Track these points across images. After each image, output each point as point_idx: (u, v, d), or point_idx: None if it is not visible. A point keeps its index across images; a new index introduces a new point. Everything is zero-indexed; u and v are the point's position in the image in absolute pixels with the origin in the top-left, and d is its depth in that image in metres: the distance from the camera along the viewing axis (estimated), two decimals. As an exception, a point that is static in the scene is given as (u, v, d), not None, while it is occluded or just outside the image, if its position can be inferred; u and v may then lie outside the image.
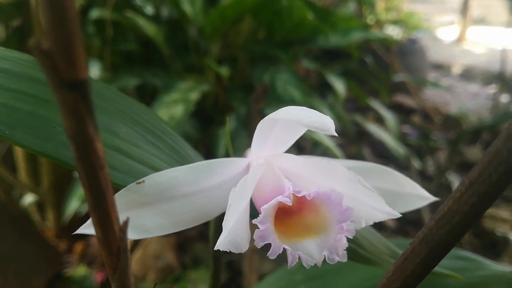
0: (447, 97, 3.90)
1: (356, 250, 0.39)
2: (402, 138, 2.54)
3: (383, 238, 0.44)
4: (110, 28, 1.56)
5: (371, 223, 0.34)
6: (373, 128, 2.12)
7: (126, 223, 0.22)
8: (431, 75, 4.36)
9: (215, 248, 0.29)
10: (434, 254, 0.24)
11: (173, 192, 0.33)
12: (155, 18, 1.80)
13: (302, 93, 1.53)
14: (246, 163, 0.38)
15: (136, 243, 1.66)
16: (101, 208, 0.21)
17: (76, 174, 1.70)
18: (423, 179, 2.46)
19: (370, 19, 3.48)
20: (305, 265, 0.31)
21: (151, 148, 0.37)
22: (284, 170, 0.35)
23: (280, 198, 0.31)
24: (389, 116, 2.19)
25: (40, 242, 1.57)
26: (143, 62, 1.81)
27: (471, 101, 3.86)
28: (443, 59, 5.13)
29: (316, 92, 2.11)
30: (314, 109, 0.31)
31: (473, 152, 2.79)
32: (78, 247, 1.66)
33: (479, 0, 6.58)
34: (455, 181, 2.33)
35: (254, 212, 0.34)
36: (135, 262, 1.63)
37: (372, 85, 2.42)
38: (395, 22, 4.21)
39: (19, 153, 1.60)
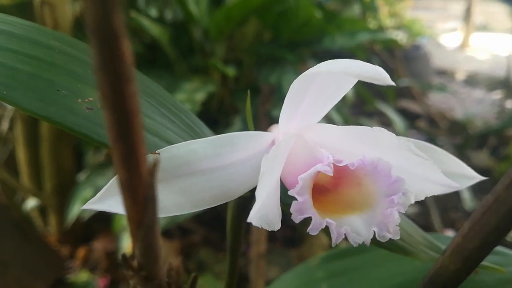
0: (452, 102, 3.87)
1: (392, 239, 0.35)
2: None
3: (419, 228, 0.40)
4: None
5: (423, 198, 0.30)
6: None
7: (156, 164, 0.18)
8: (435, 81, 4.33)
9: (248, 220, 0.25)
10: None
11: (192, 168, 0.30)
12: (160, 20, 1.78)
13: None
14: (272, 138, 0.34)
15: None
16: (127, 137, 0.16)
17: (79, 177, 1.67)
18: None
19: (373, 25, 3.47)
20: (352, 243, 0.27)
21: (166, 121, 0.34)
22: (319, 143, 0.31)
23: (319, 167, 0.27)
24: (397, 119, 2.16)
25: (42, 247, 1.53)
26: (147, 64, 1.78)
27: (476, 107, 3.83)
28: (446, 65, 5.11)
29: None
30: None
31: (480, 157, 2.75)
32: (81, 252, 1.62)
33: (481, 6, 6.57)
34: (463, 185, 2.28)
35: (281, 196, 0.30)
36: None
37: (378, 88, 2.39)
38: (398, 28, 4.20)
39: (21, 157, 1.57)
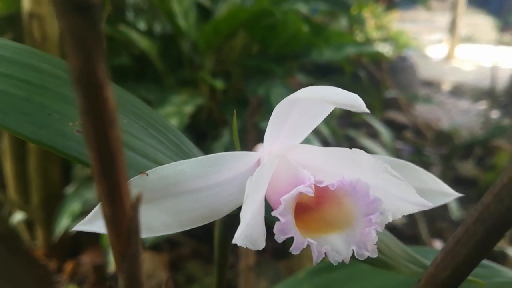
0: (438, 113, 3.92)
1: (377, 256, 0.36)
2: (396, 153, 2.53)
3: (400, 242, 0.41)
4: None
5: (399, 217, 0.31)
6: (368, 143, 2.11)
7: (138, 199, 0.19)
8: (422, 92, 4.39)
9: (233, 242, 0.26)
10: (493, 233, 0.21)
11: (180, 188, 0.31)
12: (148, 33, 1.79)
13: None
14: (257, 158, 0.35)
15: None
16: (110, 176, 0.17)
17: (67, 190, 1.66)
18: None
19: (360, 37, 3.52)
20: (332, 261, 0.28)
21: (154, 142, 0.35)
22: (301, 163, 0.32)
23: (301, 188, 0.28)
24: (384, 131, 2.18)
25: (29, 261, 1.52)
26: (136, 77, 1.79)
27: (462, 117, 3.89)
28: (432, 77, 5.18)
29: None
30: None
31: (466, 167, 2.79)
32: (68, 266, 1.61)
33: (466, 19, 6.69)
34: (449, 196, 2.31)
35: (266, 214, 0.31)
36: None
37: (365, 100, 2.42)
38: (385, 40, 4.26)
39: (8, 170, 1.56)
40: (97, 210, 0.28)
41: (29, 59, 0.33)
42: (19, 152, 1.53)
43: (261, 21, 1.58)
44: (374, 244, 0.29)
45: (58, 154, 0.28)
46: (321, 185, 0.29)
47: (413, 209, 0.31)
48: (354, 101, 0.27)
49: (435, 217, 2.26)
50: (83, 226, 0.28)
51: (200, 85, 1.65)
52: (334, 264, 0.28)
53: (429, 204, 0.31)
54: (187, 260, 1.74)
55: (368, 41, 3.52)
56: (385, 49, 3.96)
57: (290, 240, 0.29)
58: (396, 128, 3.33)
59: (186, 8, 1.63)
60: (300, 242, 0.28)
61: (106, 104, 0.15)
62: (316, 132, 1.67)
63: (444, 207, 2.31)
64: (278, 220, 0.28)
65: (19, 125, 0.28)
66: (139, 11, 1.98)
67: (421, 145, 2.95)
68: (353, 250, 0.29)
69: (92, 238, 1.62)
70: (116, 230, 0.19)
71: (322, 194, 0.31)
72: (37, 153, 1.50)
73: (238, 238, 0.27)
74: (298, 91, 0.28)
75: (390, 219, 0.31)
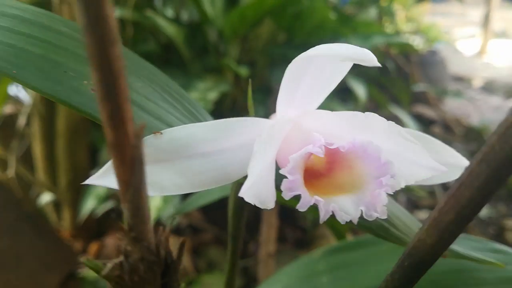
0: (468, 109, 3.82)
1: (389, 228, 0.36)
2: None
3: (416, 220, 0.41)
4: (130, 28, 1.56)
5: (413, 182, 0.31)
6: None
7: (142, 127, 0.19)
8: (452, 87, 4.29)
9: (239, 195, 0.26)
10: (497, 175, 0.21)
11: (191, 150, 0.31)
12: (176, 21, 1.80)
13: (322, 95, 1.50)
14: (269, 125, 0.34)
15: (182, 255, 1.63)
16: (113, 98, 0.17)
17: (93, 174, 1.69)
18: (445, 190, 2.41)
19: (390, 29, 3.46)
20: (340, 220, 0.28)
21: (168, 106, 0.35)
22: (314, 129, 0.32)
23: (310, 148, 0.28)
24: (411, 123, 2.14)
25: (55, 241, 1.56)
26: (162, 63, 1.81)
27: (492, 114, 3.78)
28: (463, 72, 5.05)
29: (336, 97, 2.08)
30: None
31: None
32: (93, 247, 1.64)
33: (500, 13, 6.49)
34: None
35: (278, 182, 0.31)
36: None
37: (392, 92, 2.38)
38: (415, 33, 4.18)
39: (37, 153, 1.60)
40: (110, 164, 0.28)
41: (48, 21, 0.34)
42: (48, 135, 1.57)
43: (287, 9, 1.57)
44: (384, 206, 0.28)
45: (72, 109, 0.28)
46: (332, 147, 0.29)
47: (426, 174, 0.30)
48: (365, 55, 0.26)
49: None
50: (95, 180, 0.29)
51: (225, 72, 1.65)
52: (342, 224, 0.27)
53: (442, 168, 0.30)
54: (208, 247, 1.75)
55: (398, 33, 3.46)
56: (415, 42, 3.89)
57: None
58: (424, 122, 3.27)
59: (213, -5, 1.64)
60: (307, 199, 0.28)
61: (107, 20, 0.16)
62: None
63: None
64: (286, 178, 0.28)
65: (35, 80, 0.28)
66: (167, -2, 1.99)
67: (450, 140, 2.89)
68: (362, 211, 0.28)
69: (117, 221, 1.66)
70: (120, 157, 0.19)
71: (334, 159, 0.31)
72: (66, 137, 1.53)
73: (245, 193, 0.27)
74: (310, 49, 0.28)
75: (403, 185, 0.31)
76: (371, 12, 2.61)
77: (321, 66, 0.32)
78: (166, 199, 1.26)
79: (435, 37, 4.79)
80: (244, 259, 1.67)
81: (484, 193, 0.21)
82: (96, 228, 1.71)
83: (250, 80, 0.36)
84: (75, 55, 0.32)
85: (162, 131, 0.30)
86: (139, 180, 0.20)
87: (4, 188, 1.49)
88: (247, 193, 0.27)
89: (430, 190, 2.27)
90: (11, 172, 1.47)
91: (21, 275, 1.36)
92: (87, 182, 0.28)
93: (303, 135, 0.31)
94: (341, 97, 2.17)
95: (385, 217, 0.28)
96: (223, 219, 1.87)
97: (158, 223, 1.45)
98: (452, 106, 3.79)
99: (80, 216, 1.45)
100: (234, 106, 1.73)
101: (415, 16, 4.44)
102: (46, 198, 1.64)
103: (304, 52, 0.29)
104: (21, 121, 1.57)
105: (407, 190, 2.14)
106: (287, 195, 0.28)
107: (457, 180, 0.22)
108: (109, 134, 0.18)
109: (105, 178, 0.29)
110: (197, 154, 0.31)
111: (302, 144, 0.30)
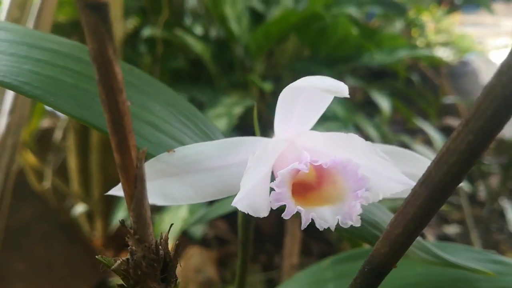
0: (501, 121, 3.74)
1: (379, 236, 0.39)
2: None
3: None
4: (160, 46, 1.63)
5: (388, 195, 0.35)
6: (421, 150, 2.07)
7: (143, 152, 0.24)
8: (484, 99, 4.19)
9: (232, 204, 0.31)
10: (434, 196, 0.24)
11: (200, 165, 0.35)
12: (204, 38, 1.86)
13: (345, 109, 1.53)
14: (265, 143, 0.39)
15: (179, 255, 1.68)
16: (120, 132, 0.22)
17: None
18: (474, 204, 2.37)
19: (420, 42, 3.44)
20: (318, 227, 0.32)
21: (182, 127, 0.40)
22: (305, 147, 0.36)
23: (296, 165, 0.32)
24: (437, 137, 2.13)
25: (87, 250, 1.63)
26: (191, 79, 1.87)
27: (527, 126, 3.69)
28: (497, 83, 4.94)
29: (361, 111, 2.10)
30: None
31: (527, 178, 2.65)
32: (123, 256, 1.70)
33: (536, 23, 6.33)
34: (508, 207, 2.23)
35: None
36: (177, 275, 1.64)
37: (420, 106, 2.37)
38: (446, 44, 4.13)
39: (72, 165, 1.68)
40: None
41: (80, 53, 0.39)
42: (82, 149, 1.65)
43: (311, 25, 1.61)
44: (358, 215, 0.32)
45: (98, 131, 0.33)
46: (316, 164, 0.33)
47: (399, 188, 0.34)
48: (337, 87, 0.31)
49: (492, 228, 2.17)
50: (115, 192, 0.34)
51: (250, 87, 1.70)
52: (320, 230, 0.31)
53: (411, 183, 0.33)
54: (234, 258, 1.79)
55: (428, 45, 3.44)
56: (445, 53, 3.85)
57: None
58: (454, 135, 3.21)
59: (239, 13, 1.69)
60: (291, 208, 0.32)
61: (114, 76, 0.20)
62: (365, 137, 1.66)
63: (503, 219, 2.22)
64: (274, 190, 0.32)
65: (68, 106, 0.33)
66: (196, 16, 2.06)
67: (480, 153, 2.84)
68: (338, 219, 0.32)
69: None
70: (126, 176, 0.24)
71: (321, 174, 0.35)
72: (99, 150, 1.61)
73: (237, 203, 0.31)
74: (296, 81, 0.32)
75: (381, 197, 0.35)
76: (398, 25, 2.61)
77: (310, 93, 0.36)
78: (192, 211, 1.30)
79: (467, 48, 4.72)
80: (269, 272, 1.70)
81: (424, 211, 0.25)
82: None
83: (255, 103, 0.40)
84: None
85: (175, 149, 0.34)
86: (141, 194, 0.24)
87: (40, 198, 1.57)
88: (239, 203, 0.31)
89: (458, 204, 2.24)
90: (47, 183, 1.55)
91: (53, 281, 1.43)
92: (109, 193, 0.33)
93: (296, 152, 0.36)
94: (367, 111, 2.19)
95: (358, 225, 0.32)
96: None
97: (184, 233, 1.50)
98: (484, 118, 3.72)
99: (111, 226, 1.51)
100: (259, 121, 1.77)
101: (445, 27, 4.39)
102: (79, 208, 1.72)
103: (290, 84, 0.34)
104: (57, 135, 1.66)
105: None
106: (274, 205, 0.32)
107: (405, 199, 0.25)
108: (117, 158, 0.23)
109: (120, 191, 0.33)
110: (205, 169, 0.36)
111: (294, 160, 0.34)
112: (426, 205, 0.24)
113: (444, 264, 0.38)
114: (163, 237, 0.29)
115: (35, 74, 0.34)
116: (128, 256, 0.29)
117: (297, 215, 0.32)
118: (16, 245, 1.48)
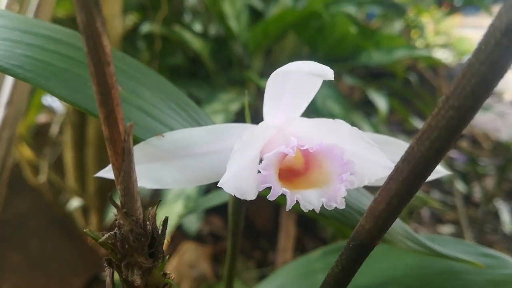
0: (497, 123, 3.75)
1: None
2: (448, 162, 2.47)
3: (399, 220, 0.43)
4: (159, 42, 1.63)
5: (373, 180, 0.35)
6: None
7: (131, 126, 0.24)
8: (482, 101, 4.20)
9: (218, 185, 0.31)
10: (416, 171, 0.25)
11: (189, 150, 0.36)
12: (203, 35, 1.87)
13: (343, 108, 1.53)
14: (252, 128, 0.39)
15: (173, 250, 1.68)
16: (107, 104, 0.23)
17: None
18: (469, 205, 2.38)
19: (419, 43, 3.45)
20: (303, 209, 0.32)
21: (173, 113, 0.40)
22: (294, 134, 0.37)
23: (282, 148, 0.33)
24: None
25: (82, 245, 1.63)
26: (189, 75, 1.87)
27: (524, 129, 3.70)
28: (495, 86, 4.95)
29: (359, 111, 2.10)
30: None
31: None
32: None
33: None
34: (502, 208, 2.23)
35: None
36: (171, 270, 1.65)
37: (417, 106, 2.38)
38: (445, 46, 4.14)
39: (68, 160, 1.68)
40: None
41: (75, 41, 0.40)
42: (79, 144, 1.65)
43: (309, 24, 1.61)
44: (342, 198, 0.33)
45: (89, 114, 0.33)
46: (303, 148, 0.33)
47: (383, 173, 0.34)
48: (322, 71, 0.31)
49: (486, 229, 2.18)
50: (105, 173, 0.34)
51: (248, 84, 1.70)
52: (305, 211, 0.31)
53: (392, 165, 0.34)
54: (229, 255, 1.79)
55: (427, 47, 3.44)
56: (444, 55, 3.86)
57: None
58: (452, 137, 3.22)
59: (238, 11, 1.69)
60: (276, 190, 0.32)
61: (102, 48, 0.21)
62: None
63: (497, 220, 2.23)
64: (260, 173, 0.32)
65: (58, 88, 0.34)
66: (196, 14, 2.06)
67: (477, 155, 2.85)
68: (323, 202, 0.33)
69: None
70: (114, 149, 0.25)
71: (309, 159, 0.35)
72: (95, 146, 1.61)
73: (223, 184, 0.32)
74: (284, 66, 0.33)
75: (366, 182, 0.35)
76: (397, 26, 2.62)
77: (298, 80, 0.37)
78: (187, 206, 1.30)
79: (466, 50, 4.72)
80: (263, 268, 1.70)
81: (407, 187, 0.25)
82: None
83: (246, 91, 0.40)
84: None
85: (164, 134, 0.35)
86: (129, 167, 0.25)
87: (36, 192, 1.57)
88: (225, 184, 0.32)
89: (453, 204, 2.25)
90: (43, 177, 1.55)
91: (48, 275, 1.43)
92: (98, 174, 0.33)
93: (284, 138, 0.36)
94: (365, 111, 2.19)
95: (343, 207, 0.33)
96: (244, 228, 1.91)
97: (179, 229, 1.50)
98: (481, 120, 3.73)
99: (106, 221, 1.51)
100: (255, 117, 1.77)
101: (445, 29, 4.40)
102: (75, 203, 1.72)
103: (278, 69, 0.34)
104: (54, 129, 1.66)
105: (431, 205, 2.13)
106: (260, 187, 0.33)
107: (388, 176, 0.26)
108: (105, 131, 0.24)
109: (110, 173, 0.33)
110: (194, 154, 0.36)
111: (281, 145, 0.34)
112: (409, 180, 0.25)
113: (434, 254, 0.38)
114: (151, 213, 0.30)
115: (28, 58, 0.34)
116: (116, 229, 0.29)
117: (285, 201, 0.32)
118: (11, 238, 1.48)
